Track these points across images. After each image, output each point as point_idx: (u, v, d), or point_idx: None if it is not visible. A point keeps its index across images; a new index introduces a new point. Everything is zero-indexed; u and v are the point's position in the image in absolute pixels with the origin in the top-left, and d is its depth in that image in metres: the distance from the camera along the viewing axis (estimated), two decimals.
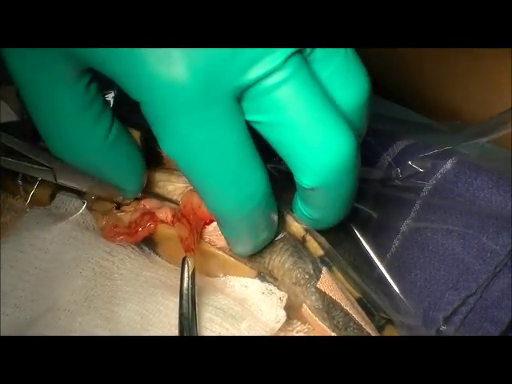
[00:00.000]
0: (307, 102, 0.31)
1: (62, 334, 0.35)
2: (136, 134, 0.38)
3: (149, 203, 0.39)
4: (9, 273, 0.37)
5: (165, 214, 0.38)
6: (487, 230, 0.38)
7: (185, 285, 0.35)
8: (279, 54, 0.30)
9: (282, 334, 0.36)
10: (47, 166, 0.38)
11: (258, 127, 0.32)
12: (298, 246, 0.37)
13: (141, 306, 0.35)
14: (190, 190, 0.38)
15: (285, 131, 0.31)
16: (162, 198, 0.39)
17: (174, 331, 0.34)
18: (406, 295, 0.38)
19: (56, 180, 0.38)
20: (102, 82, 0.34)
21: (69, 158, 0.36)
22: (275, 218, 0.36)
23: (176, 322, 0.34)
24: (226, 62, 0.30)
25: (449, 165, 0.40)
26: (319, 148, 0.31)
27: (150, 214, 0.38)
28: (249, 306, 0.37)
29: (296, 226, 0.37)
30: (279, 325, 0.36)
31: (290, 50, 0.30)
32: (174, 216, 0.38)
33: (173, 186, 0.39)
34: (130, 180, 0.38)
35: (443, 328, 0.37)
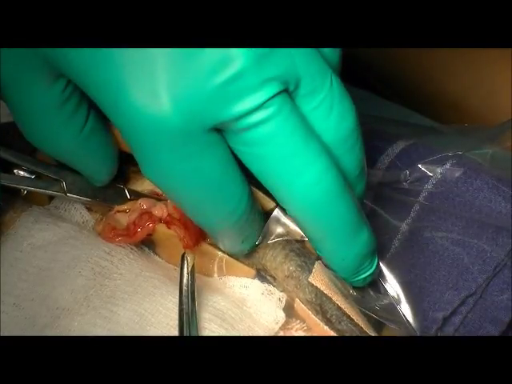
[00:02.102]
0: (287, 138, 0.31)
1: (61, 333, 0.35)
2: None
3: (146, 203, 0.39)
4: (8, 272, 0.37)
5: (160, 210, 0.38)
6: (487, 230, 0.38)
7: (184, 281, 0.35)
8: (263, 93, 0.30)
9: (281, 333, 0.36)
10: (56, 179, 0.38)
11: (238, 154, 0.32)
12: (291, 240, 0.37)
13: (140, 305, 0.35)
14: None
15: (263, 163, 0.32)
16: (156, 198, 0.39)
17: (172, 331, 0.34)
18: (406, 295, 0.38)
19: (66, 194, 0.38)
20: None
21: (45, 148, 0.37)
22: (261, 223, 0.37)
23: (175, 322, 0.34)
24: (209, 98, 0.30)
25: (448, 165, 0.40)
26: (294, 179, 0.32)
27: (148, 214, 0.38)
28: (248, 307, 0.37)
29: (294, 226, 0.37)
30: (278, 326, 0.36)
31: (273, 90, 0.30)
32: (168, 216, 0.38)
33: None
34: (99, 171, 0.38)
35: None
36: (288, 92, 0.31)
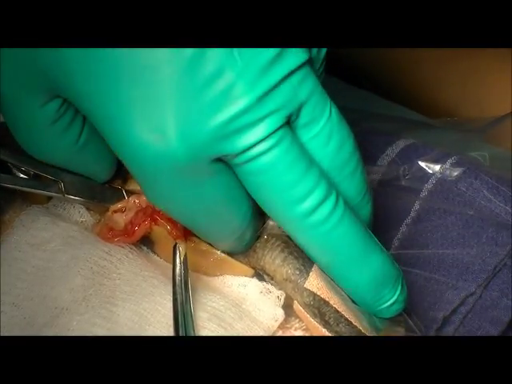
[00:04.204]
0: (287, 168, 0.32)
1: (60, 332, 0.34)
2: None
3: (138, 198, 0.39)
4: (7, 271, 0.36)
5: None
6: (487, 229, 0.38)
7: (177, 271, 0.35)
8: (266, 127, 0.31)
9: (280, 332, 0.36)
10: (54, 180, 0.38)
11: (239, 179, 0.33)
12: (290, 242, 0.37)
13: (139, 305, 0.35)
14: None
15: (263, 191, 0.32)
16: None
17: (171, 331, 0.34)
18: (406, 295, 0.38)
19: (64, 195, 0.39)
20: None
21: (42, 157, 0.37)
22: (260, 222, 0.37)
23: None
24: (214, 134, 0.30)
25: (448, 164, 0.40)
26: (294, 207, 0.32)
27: (143, 210, 0.38)
28: (247, 305, 0.37)
29: None
30: (277, 323, 0.36)
31: (276, 125, 0.31)
32: (153, 212, 0.38)
33: None
34: (99, 172, 0.39)
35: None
36: (289, 123, 0.32)
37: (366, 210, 0.36)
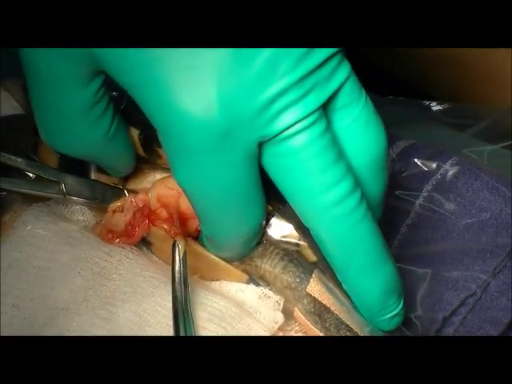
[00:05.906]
0: (319, 152, 0.32)
1: (59, 333, 0.35)
2: (135, 133, 0.39)
3: (134, 197, 0.39)
4: (7, 272, 0.36)
5: (144, 196, 0.39)
6: (486, 230, 0.38)
7: (176, 268, 0.35)
8: (305, 107, 0.31)
9: (281, 334, 0.36)
10: (55, 181, 0.39)
11: (266, 167, 0.33)
12: (289, 250, 0.37)
13: (139, 306, 0.35)
14: (160, 181, 0.39)
15: (291, 176, 0.32)
16: None
17: (172, 332, 0.34)
18: (406, 296, 0.38)
19: (65, 196, 0.39)
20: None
21: (65, 149, 0.37)
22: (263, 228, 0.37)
23: None
24: (256, 110, 0.30)
25: (448, 165, 0.40)
26: (320, 195, 0.32)
27: (140, 210, 0.38)
28: (247, 307, 0.37)
29: (291, 230, 0.37)
30: (278, 325, 0.36)
31: (316, 104, 0.31)
32: (150, 212, 0.38)
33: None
34: (122, 165, 0.39)
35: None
36: (324, 108, 0.32)
37: (377, 215, 0.36)
